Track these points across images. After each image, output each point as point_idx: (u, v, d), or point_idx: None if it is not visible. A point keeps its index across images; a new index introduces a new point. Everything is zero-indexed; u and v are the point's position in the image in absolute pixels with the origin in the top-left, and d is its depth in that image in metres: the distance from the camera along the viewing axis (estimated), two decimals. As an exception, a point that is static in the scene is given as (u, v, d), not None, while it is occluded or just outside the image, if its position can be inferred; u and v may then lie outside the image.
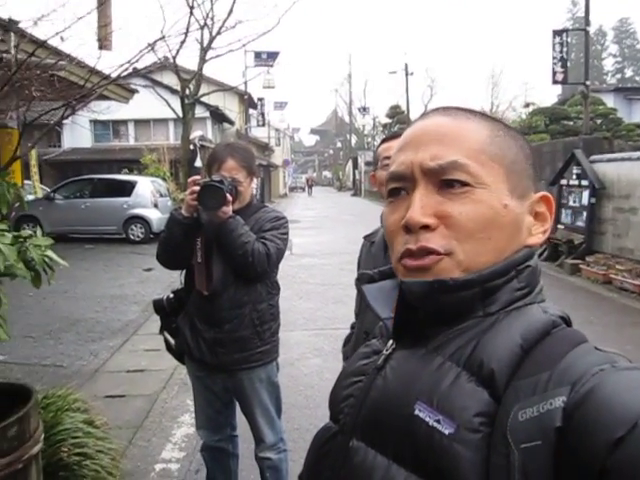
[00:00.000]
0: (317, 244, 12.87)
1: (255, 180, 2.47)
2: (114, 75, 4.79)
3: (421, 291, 0.67)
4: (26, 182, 10.67)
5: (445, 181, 0.68)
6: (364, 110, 49.17)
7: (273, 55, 26.46)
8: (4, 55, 4.49)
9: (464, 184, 0.68)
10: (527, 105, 23.50)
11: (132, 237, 13.21)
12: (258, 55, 25.96)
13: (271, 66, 27.00)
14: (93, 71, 4.87)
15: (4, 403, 2.32)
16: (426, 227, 0.68)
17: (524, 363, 0.61)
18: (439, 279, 0.66)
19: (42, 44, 3.78)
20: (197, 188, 2.14)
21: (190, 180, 2.24)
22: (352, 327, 2.06)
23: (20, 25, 4.22)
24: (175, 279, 2.68)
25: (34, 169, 13.45)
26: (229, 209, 2.19)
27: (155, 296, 2.55)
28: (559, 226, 10.38)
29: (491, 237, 0.68)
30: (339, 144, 70.78)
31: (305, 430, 3.55)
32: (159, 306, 2.48)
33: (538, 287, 0.71)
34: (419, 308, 0.69)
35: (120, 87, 10.53)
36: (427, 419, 0.62)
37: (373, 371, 0.73)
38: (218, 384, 2.44)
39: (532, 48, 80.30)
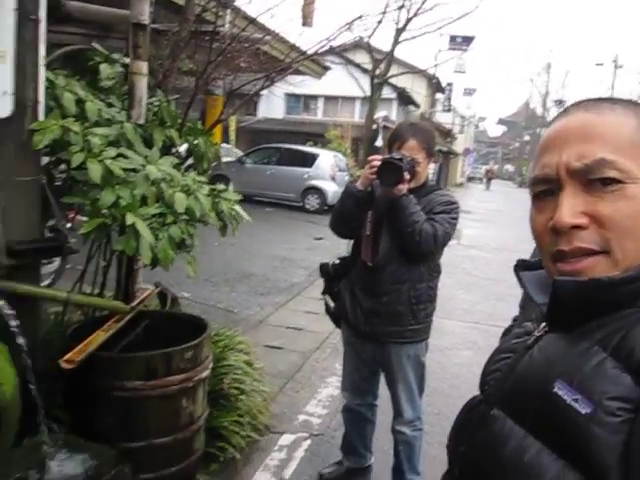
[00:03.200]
0: (486, 237, 12.43)
1: (433, 164, 2.51)
2: (311, 51, 5.09)
3: (574, 291, 0.68)
4: (224, 145, 11.78)
5: (593, 180, 0.67)
6: (560, 103, 45.49)
7: (468, 40, 25.63)
8: (220, 29, 5.00)
9: (615, 181, 0.66)
10: None
11: (308, 206, 13.93)
12: (453, 39, 25.34)
13: (465, 50, 26.22)
14: (293, 47, 5.23)
15: (186, 331, 2.69)
16: (577, 227, 0.68)
17: None
18: (594, 278, 0.67)
19: (252, 20, 4.14)
20: (377, 163, 2.25)
21: (371, 157, 2.35)
22: (514, 320, 2.03)
23: (235, 2, 4.66)
24: (343, 250, 2.83)
25: (233, 134, 14.76)
26: (404, 187, 2.27)
27: (323, 261, 2.73)
28: None
29: None
30: (527, 137, 66.59)
31: (444, 417, 3.55)
32: (325, 270, 2.66)
33: None
34: (572, 302, 0.70)
35: (315, 63, 11.08)
36: (565, 397, 0.64)
37: (522, 350, 0.77)
38: (368, 352, 2.57)
39: None
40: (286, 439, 3.24)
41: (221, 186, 2.83)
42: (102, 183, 2.33)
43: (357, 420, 2.77)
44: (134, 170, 2.51)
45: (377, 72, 20.07)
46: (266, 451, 3.11)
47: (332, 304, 2.68)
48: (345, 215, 2.46)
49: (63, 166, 2.87)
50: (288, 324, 5.22)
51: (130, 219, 2.29)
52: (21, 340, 2.03)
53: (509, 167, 72.52)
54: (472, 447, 0.78)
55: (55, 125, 2.33)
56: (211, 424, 2.81)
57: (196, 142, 3.25)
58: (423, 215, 2.32)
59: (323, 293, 2.71)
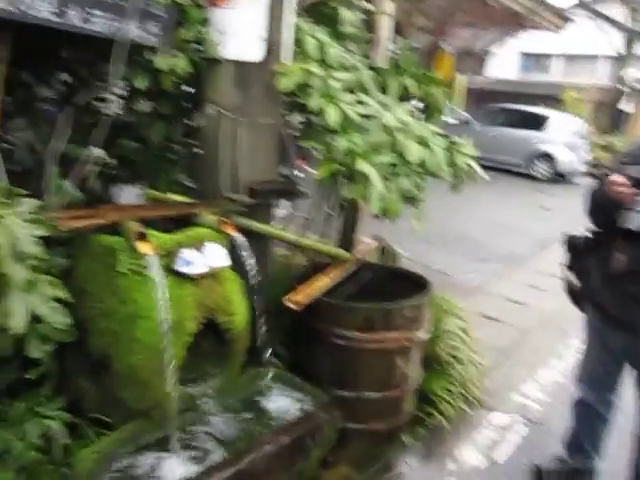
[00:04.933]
0: None
1: None
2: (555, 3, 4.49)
3: None
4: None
5: None
6: None
7: None
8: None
9: None
10: None
11: (535, 174, 12.77)
12: None
13: None
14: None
15: (404, 288, 2.58)
16: None
17: None
18: None
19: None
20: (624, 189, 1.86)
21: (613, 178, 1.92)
22: None
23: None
24: (575, 223, 2.43)
25: (459, 94, 14.15)
26: None
27: (571, 232, 2.36)
28: None
29: None
30: None
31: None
32: (572, 243, 2.30)
33: None
34: None
35: (555, 14, 9.86)
36: None
37: None
38: (617, 342, 2.16)
39: None
40: (498, 418, 3.00)
41: (459, 139, 2.62)
42: (339, 128, 2.29)
43: (590, 417, 2.40)
44: (368, 116, 2.43)
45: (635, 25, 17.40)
46: (475, 426, 2.91)
47: (576, 282, 2.31)
48: (601, 211, 2.09)
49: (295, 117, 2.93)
50: (507, 296, 4.86)
51: (362, 166, 2.22)
52: (254, 277, 2.11)
53: None
54: None
55: (299, 69, 2.34)
56: (422, 387, 2.71)
57: (432, 92, 3.07)
58: None
59: (566, 270, 2.35)
